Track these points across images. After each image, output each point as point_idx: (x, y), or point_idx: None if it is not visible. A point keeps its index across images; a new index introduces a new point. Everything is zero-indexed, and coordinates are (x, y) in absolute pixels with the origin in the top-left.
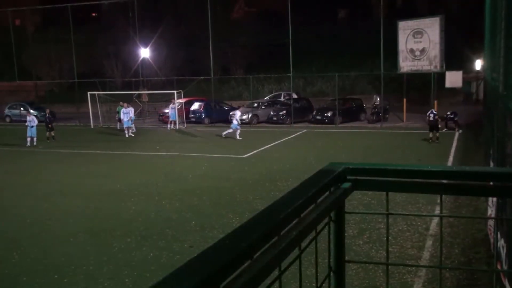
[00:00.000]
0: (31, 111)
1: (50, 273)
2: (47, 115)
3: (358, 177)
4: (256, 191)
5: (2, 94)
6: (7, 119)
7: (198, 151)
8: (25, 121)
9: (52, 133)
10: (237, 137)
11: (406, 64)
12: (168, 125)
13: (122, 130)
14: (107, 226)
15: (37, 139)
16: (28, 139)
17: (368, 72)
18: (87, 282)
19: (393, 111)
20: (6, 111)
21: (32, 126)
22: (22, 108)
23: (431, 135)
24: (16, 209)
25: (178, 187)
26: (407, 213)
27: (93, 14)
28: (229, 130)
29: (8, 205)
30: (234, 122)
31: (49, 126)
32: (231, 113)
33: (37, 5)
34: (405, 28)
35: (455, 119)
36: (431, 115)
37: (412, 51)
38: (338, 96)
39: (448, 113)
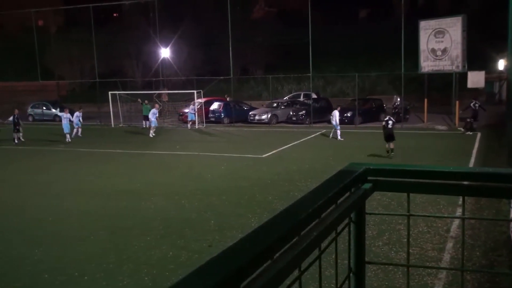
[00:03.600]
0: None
1: (70, 270)
2: (16, 116)
3: (379, 178)
4: (275, 191)
5: (24, 94)
6: (30, 118)
7: (217, 151)
8: (49, 120)
9: (20, 135)
10: (338, 137)
11: (427, 64)
12: (188, 125)
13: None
14: (127, 225)
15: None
16: (67, 135)
17: (388, 72)
18: (107, 280)
19: (414, 112)
20: (29, 110)
21: (73, 122)
22: (44, 108)
23: (388, 145)
24: (37, 208)
25: (197, 186)
26: (427, 214)
27: (115, 15)
28: (338, 132)
29: (29, 203)
30: (333, 123)
31: (17, 127)
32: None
33: (59, 6)
34: (426, 27)
35: (468, 119)
36: (390, 122)
37: (433, 51)
38: (358, 96)
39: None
